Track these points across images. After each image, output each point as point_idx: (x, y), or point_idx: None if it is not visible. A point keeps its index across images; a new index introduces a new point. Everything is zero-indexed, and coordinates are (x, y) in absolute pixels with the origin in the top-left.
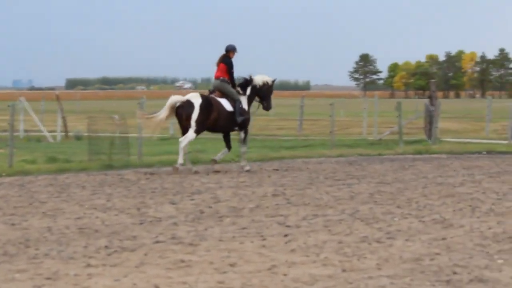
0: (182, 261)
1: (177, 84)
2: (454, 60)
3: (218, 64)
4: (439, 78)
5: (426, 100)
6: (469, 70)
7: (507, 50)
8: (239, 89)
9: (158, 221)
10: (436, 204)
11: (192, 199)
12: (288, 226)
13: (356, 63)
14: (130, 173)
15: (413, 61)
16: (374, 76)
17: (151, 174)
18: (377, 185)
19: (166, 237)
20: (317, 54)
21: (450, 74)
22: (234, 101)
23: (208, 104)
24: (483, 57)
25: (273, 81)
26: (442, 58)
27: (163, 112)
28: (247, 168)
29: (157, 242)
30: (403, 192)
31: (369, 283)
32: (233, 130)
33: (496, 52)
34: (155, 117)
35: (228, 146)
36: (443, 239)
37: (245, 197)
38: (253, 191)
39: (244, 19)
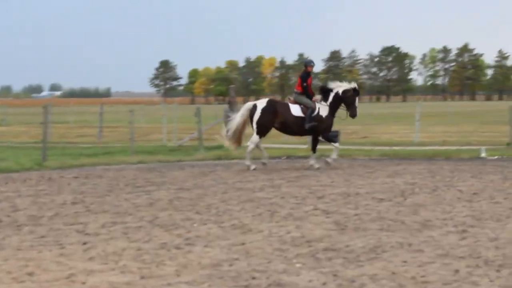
0: None
1: None
2: (254, 66)
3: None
4: (239, 84)
5: (226, 106)
6: (269, 75)
7: (306, 55)
8: (319, 97)
9: None
10: (236, 210)
11: None
12: (87, 234)
13: (156, 69)
14: None
15: (213, 67)
16: (175, 83)
17: None
18: (177, 192)
19: None
20: (117, 60)
21: (250, 80)
22: (307, 109)
23: (271, 108)
24: (282, 62)
25: (354, 89)
26: (242, 63)
27: (238, 118)
28: (317, 166)
29: None
30: (202, 198)
31: None
32: (310, 134)
33: (296, 57)
34: (231, 128)
35: (313, 149)
36: (242, 244)
37: (44, 206)
38: (52, 199)
39: (40, 22)
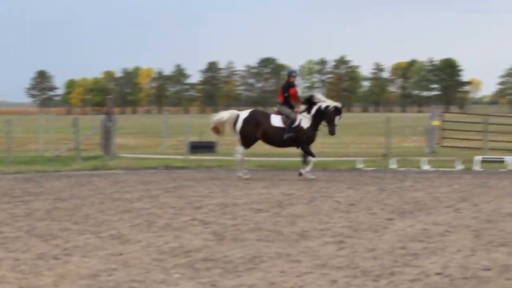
0: None
1: None
2: (131, 76)
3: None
4: (116, 94)
5: (103, 116)
6: (146, 86)
7: (183, 66)
8: (302, 107)
9: None
10: (113, 220)
11: None
12: None
13: (33, 79)
14: None
15: (90, 77)
16: (51, 93)
17: None
18: (54, 202)
19: None
20: None
21: (128, 90)
22: (288, 119)
23: (252, 119)
24: (159, 73)
25: (335, 107)
26: (119, 74)
27: (224, 117)
28: (311, 176)
29: None
30: (80, 208)
31: None
32: (290, 145)
33: (173, 68)
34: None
35: (310, 156)
36: (120, 254)
37: None
38: None
39: None
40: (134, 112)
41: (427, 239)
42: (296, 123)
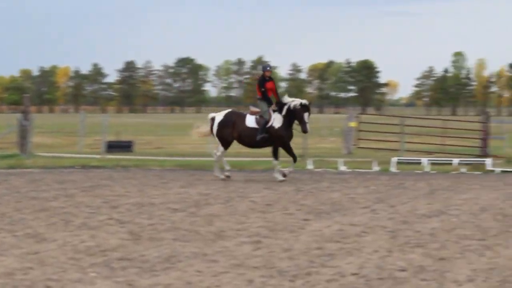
0: None
1: None
2: (48, 75)
3: None
4: (33, 93)
5: (20, 115)
6: (63, 85)
7: (100, 65)
8: (274, 107)
9: None
10: (29, 219)
11: None
12: None
13: None
14: None
15: (6, 75)
16: None
17: None
18: None
19: None
20: None
21: (44, 89)
22: (262, 119)
23: (228, 121)
24: (77, 72)
25: (301, 104)
26: (36, 73)
27: (206, 127)
28: (280, 178)
29: None
30: None
31: None
32: (264, 146)
33: (90, 67)
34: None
35: (293, 158)
36: (36, 253)
37: None
38: None
39: None
40: (51, 111)
41: (343, 240)
42: (269, 124)
